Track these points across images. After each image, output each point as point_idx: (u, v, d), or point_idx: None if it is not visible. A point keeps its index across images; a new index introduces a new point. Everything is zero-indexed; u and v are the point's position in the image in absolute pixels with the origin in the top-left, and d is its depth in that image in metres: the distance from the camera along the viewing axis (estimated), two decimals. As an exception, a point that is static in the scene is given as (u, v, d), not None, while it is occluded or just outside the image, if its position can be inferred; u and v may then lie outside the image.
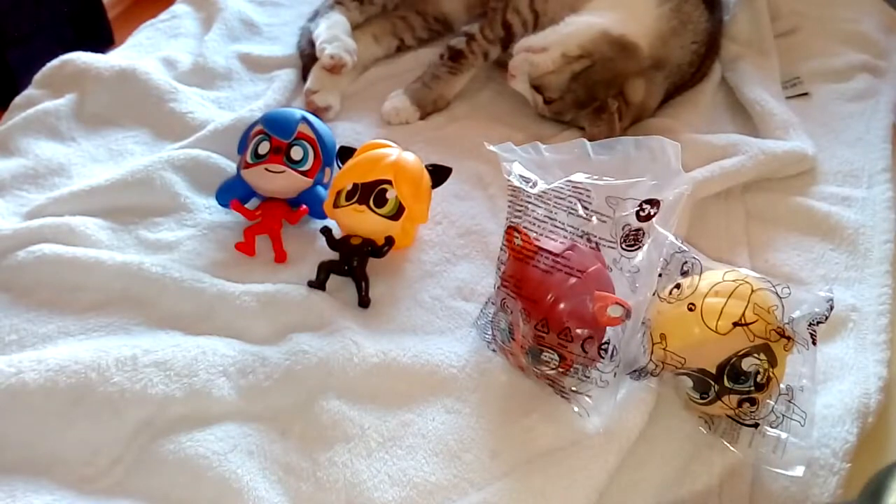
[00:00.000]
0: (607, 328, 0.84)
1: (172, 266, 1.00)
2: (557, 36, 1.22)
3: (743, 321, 0.78)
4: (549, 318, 0.83)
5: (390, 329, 0.97)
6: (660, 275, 0.84)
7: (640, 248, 0.84)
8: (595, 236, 0.86)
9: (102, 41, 2.23)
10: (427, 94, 1.31)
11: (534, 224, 0.88)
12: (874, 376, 0.90)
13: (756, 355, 0.78)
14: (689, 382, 0.81)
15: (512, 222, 0.89)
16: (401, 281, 1.03)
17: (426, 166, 1.05)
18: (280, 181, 1.07)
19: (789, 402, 0.81)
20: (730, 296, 0.79)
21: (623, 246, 0.85)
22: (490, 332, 0.93)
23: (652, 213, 0.84)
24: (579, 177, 0.87)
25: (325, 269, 1.00)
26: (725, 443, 0.82)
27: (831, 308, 0.80)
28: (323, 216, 1.06)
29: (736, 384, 0.79)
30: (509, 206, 0.90)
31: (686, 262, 0.85)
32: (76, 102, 1.29)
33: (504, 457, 0.84)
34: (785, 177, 1.18)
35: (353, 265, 1.00)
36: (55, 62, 1.34)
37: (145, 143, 1.24)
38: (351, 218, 1.01)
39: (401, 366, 0.91)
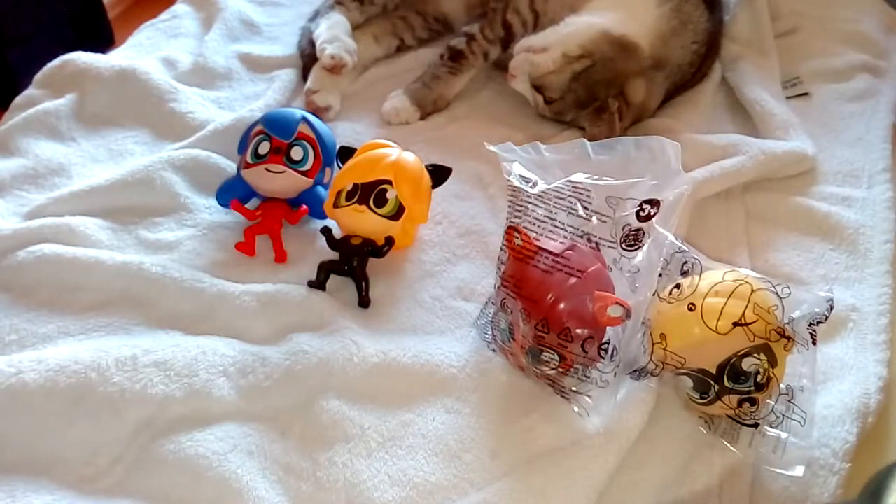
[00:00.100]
0: (607, 328, 0.84)
1: (172, 266, 1.00)
2: (558, 36, 1.22)
3: (743, 321, 0.78)
4: (549, 318, 0.83)
5: (390, 329, 0.97)
6: (660, 275, 0.84)
7: (640, 248, 0.84)
8: (595, 236, 0.86)
9: (103, 41, 2.23)
10: (427, 94, 1.31)
11: (534, 224, 0.88)
12: (874, 376, 0.90)
13: (756, 355, 0.78)
14: (689, 382, 0.81)
15: (512, 222, 0.89)
16: (401, 281, 1.03)
17: (426, 166, 1.05)
18: (280, 181, 1.07)
19: (789, 402, 0.81)
20: (730, 296, 0.79)
21: (623, 246, 0.85)
22: (490, 332, 0.93)
23: (652, 213, 0.84)
24: (579, 177, 0.87)
25: (326, 269, 1.00)
26: (725, 443, 0.82)
27: (831, 308, 0.80)
28: (323, 216, 1.06)
29: (736, 384, 0.79)
30: (509, 206, 0.90)
31: (686, 262, 0.85)
32: (76, 102, 1.29)
33: (504, 457, 0.84)
34: (785, 177, 1.18)
35: (354, 265, 1.00)
36: (55, 62, 1.34)
37: (145, 143, 1.24)
38: (351, 218, 1.01)
39: (401, 366, 0.91)
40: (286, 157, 1.07)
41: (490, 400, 0.89)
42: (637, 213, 0.84)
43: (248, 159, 1.08)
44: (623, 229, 0.85)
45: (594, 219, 0.86)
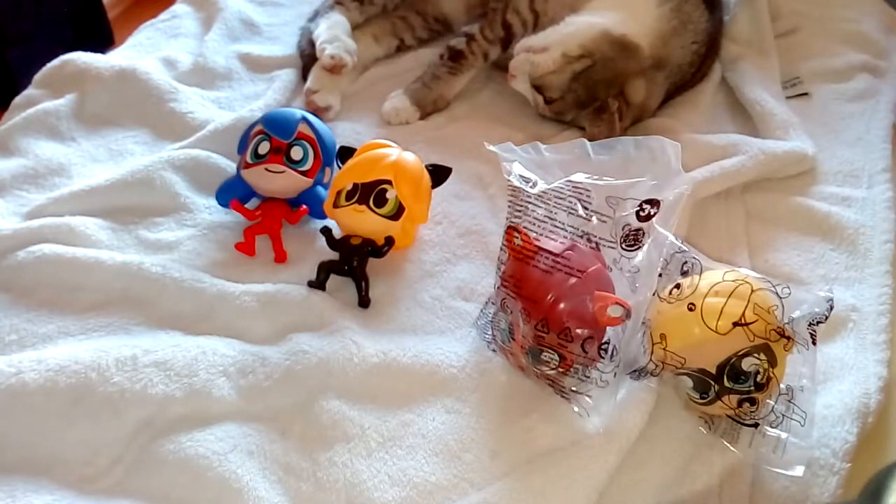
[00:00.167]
0: (607, 328, 0.84)
1: (172, 266, 1.00)
2: (558, 36, 1.22)
3: (743, 321, 0.78)
4: (549, 318, 0.83)
5: (390, 329, 0.97)
6: (660, 275, 0.84)
7: (640, 248, 0.84)
8: (595, 236, 0.86)
9: (102, 41, 2.23)
10: (427, 94, 1.31)
11: (534, 224, 0.88)
12: (874, 376, 0.90)
13: (756, 355, 0.78)
14: (689, 382, 0.81)
15: (512, 222, 0.89)
16: (401, 281, 1.03)
17: (426, 166, 1.05)
18: (280, 181, 1.07)
19: (789, 401, 0.81)
20: (730, 296, 0.79)
21: (623, 246, 0.85)
22: (490, 332, 0.93)
23: (652, 213, 0.84)
24: (579, 177, 0.87)
25: (325, 269, 1.00)
26: (725, 443, 0.82)
27: (831, 308, 0.80)
28: (323, 216, 1.06)
29: (736, 384, 0.79)
30: (509, 206, 0.90)
31: (686, 262, 0.85)
32: (76, 102, 1.29)
33: (504, 457, 0.84)
34: (785, 177, 1.18)
35: (353, 265, 1.00)
36: (55, 62, 1.34)
37: (145, 143, 1.24)
38: (351, 218, 1.01)
39: (401, 366, 0.91)
40: (286, 157, 1.07)
41: (490, 400, 0.89)
42: (637, 213, 0.84)
43: (248, 159, 1.08)
44: (623, 229, 0.85)
45: (594, 219, 0.86)
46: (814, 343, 0.80)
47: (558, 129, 1.27)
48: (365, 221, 1.00)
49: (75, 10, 2.20)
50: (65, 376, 0.85)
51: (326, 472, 0.82)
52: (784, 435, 0.80)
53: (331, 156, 1.10)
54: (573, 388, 0.85)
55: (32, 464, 0.82)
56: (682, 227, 1.02)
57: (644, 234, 0.84)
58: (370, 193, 1.00)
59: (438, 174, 1.07)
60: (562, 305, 0.83)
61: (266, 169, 1.06)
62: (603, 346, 0.84)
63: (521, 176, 0.90)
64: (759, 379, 0.78)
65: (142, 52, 1.43)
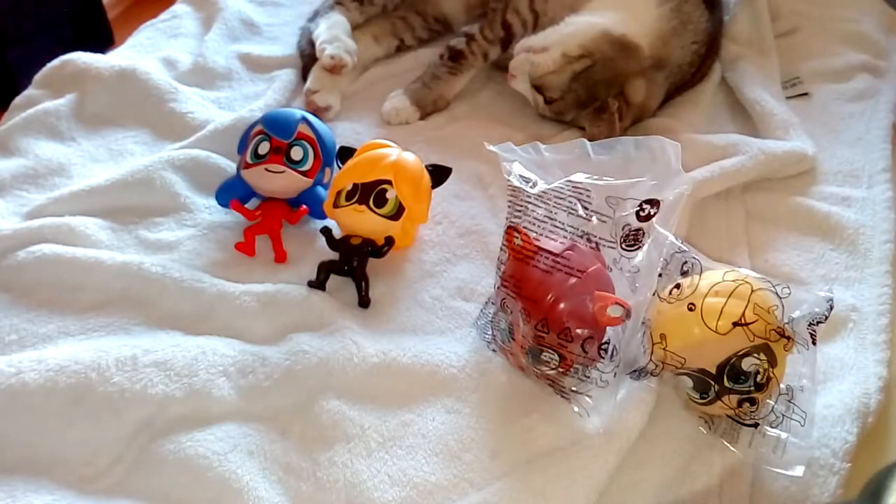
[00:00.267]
0: (607, 328, 0.84)
1: (172, 266, 1.00)
2: (558, 36, 1.22)
3: (743, 321, 0.78)
4: (549, 318, 0.83)
5: (390, 329, 0.97)
6: (660, 275, 0.84)
7: (640, 248, 0.84)
8: (595, 236, 0.86)
9: (102, 41, 2.23)
10: (427, 94, 1.31)
11: (534, 224, 0.88)
12: (874, 376, 0.90)
13: (756, 355, 0.78)
14: (689, 382, 0.81)
15: (512, 222, 0.89)
16: (401, 281, 1.03)
17: (426, 166, 1.05)
18: (280, 181, 1.07)
19: (789, 402, 0.81)
20: (730, 296, 0.79)
21: (623, 246, 0.85)
22: (490, 332, 0.93)
23: (652, 213, 0.84)
24: (579, 177, 0.87)
25: (325, 269, 1.00)
26: (725, 443, 0.82)
27: (831, 308, 0.80)
28: (323, 216, 1.06)
29: (736, 384, 0.79)
30: (509, 206, 0.90)
31: (686, 262, 0.85)
32: (76, 102, 1.29)
33: (504, 457, 0.84)
34: (785, 177, 1.18)
35: (353, 265, 1.00)
36: (55, 62, 1.34)
37: (145, 143, 1.24)
38: (351, 218, 1.01)
39: (401, 366, 0.91)
40: (286, 157, 1.07)
41: (490, 400, 0.89)
42: (637, 213, 0.84)
43: (248, 159, 1.08)
44: (623, 229, 0.85)
45: (594, 219, 0.86)
46: (814, 343, 0.80)
47: (558, 129, 1.27)
48: (365, 221, 1.00)
49: (75, 10, 2.20)
50: (65, 376, 0.85)
51: (326, 472, 0.82)
52: (784, 435, 0.80)
53: (331, 156, 1.10)
54: (573, 388, 0.85)
55: (32, 464, 0.82)
56: (682, 227, 1.02)
57: (644, 234, 0.84)
58: (370, 193, 1.00)
59: (438, 174, 1.07)
60: (562, 305, 0.83)
61: (266, 169, 1.06)
62: (603, 346, 0.84)
63: (521, 176, 0.90)
64: (759, 379, 0.78)
65: (142, 52, 1.43)
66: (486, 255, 1.06)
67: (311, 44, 1.34)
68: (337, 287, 1.00)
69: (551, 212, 0.87)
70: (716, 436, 0.83)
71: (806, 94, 1.35)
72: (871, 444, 0.86)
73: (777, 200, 1.15)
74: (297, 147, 1.08)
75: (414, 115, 1.30)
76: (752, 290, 0.79)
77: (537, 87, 1.24)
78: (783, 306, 0.80)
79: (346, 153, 1.08)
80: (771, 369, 0.78)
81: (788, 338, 0.79)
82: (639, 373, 0.84)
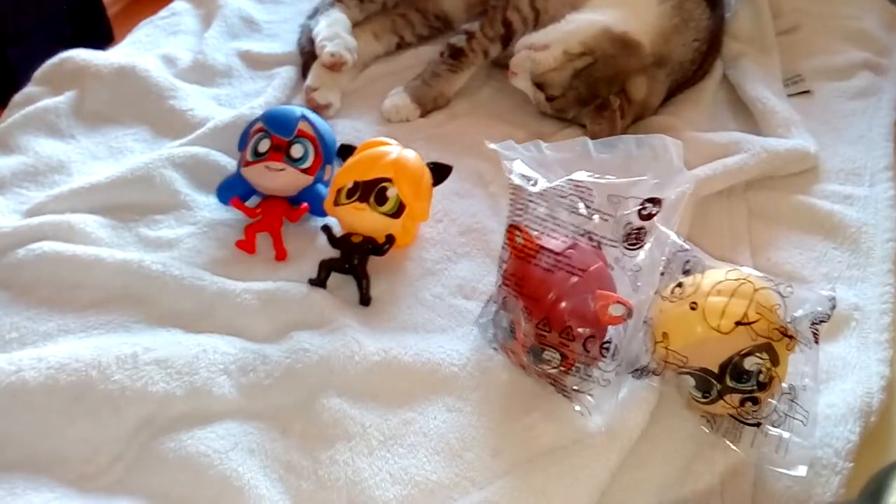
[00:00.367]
0: (609, 327, 0.84)
1: (173, 264, 1.00)
2: (559, 33, 1.22)
3: (745, 320, 0.78)
4: (550, 316, 0.83)
5: (391, 327, 0.96)
6: (662, 273, 0.84)
7: (641, 246, 0.84)
8: (597, 235, 0.85)
9: (102, 38, 2.23)
10: (427, 91, 1.30)
11: (535, 222, 0.87)
12: (877, 375, 0.90)
13: (758, 354, 0.78)
14: (692, 381, 0.81)
15: (513, 220, 0.89)
16: (402, 279, 1.03)
17: (427, 164, 1.05)
18: (280, 179, 1.06)
19: (792, 401, 0.81)
20: (732, 295, 0.79)
21: (625, 244, 0.84)
22: (491, 331, 0.93)
23: (654, 212, 0.83)
24: (581, 175, 0.86)
25: (326, 267, 1.00)
26: (727, 442, 0.82)
27: (834, 307, 0.80)
28: (323, 214, 1.06)
29: (738, 383, 0.79)
30: (510, 205, 0.90)
31: (688, 261, 0.85)
32: (76, 100, 1.28)
33: (505, 455, 0.84)
34: (787, 175, 1.18)
35: (354, 263, 0.99)
36: (55, 59, 1.34)
37: (145, 141, 1.24)
38: (351, 216, 1.01)
39: (402, 364, 0.91)
40: (286, 154, 1.07)
41: (491, 398, 0.89)
42: (639, 211, 0.84)
43: (249, 157, 1.08)
44: (625, 228, 0.84)
45: (596, 217, 0.85)
46: (816, 342, 0.80)
47: (559, 127, 1.27)
48: (365, 219, 1.00)
49: (75, 7, 2.20)
50: (65, 374, 0.85)
51: (327, 471, 0.82)
52: (786, 434, 0.80)
53: (331, 153, 1.10)
54: (575, 387, 0.85)
55: (33, 462, 0.82)
56: (685, 226, 1.02)
57: (646, 232, 0.84)
58: (371, 191, 1.00)
59: (439, 172, 1.06)
60: (563, 304, 0.83)
61: (266, 166, 1.06)
62: (605, 345, 0.83)
63: (522, 174, 0.89)
64: (761, 378, 0.78)
65: (141, 49, 1.43)
66: (486, 254, 1.06)
67: (311, 41, 1.34)
68: (338, 285, 1.00)
69: (553, 210, 0.87)
70: (718, 435, 0.83)
71: (808, 91, 1.35)
72: (874, 444, 0.86)
73: (779, 199, 1.14)
74: (297, 144, 1.07)
75: (414, 112, 1.29)
76: (755, 289, 0.79)
77: (538, 85, 1.23)
78: (785, 305, 0.79)
79: (346, 151, 1.07)
80: (773, 368, 0.78)
81: (791, 337, 0.78)
82: (641, 372, 0.84)
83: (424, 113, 1.30)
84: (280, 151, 1.06)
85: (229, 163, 1.16)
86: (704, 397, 0.81)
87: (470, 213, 1.12)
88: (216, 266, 1.02)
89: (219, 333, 0.94)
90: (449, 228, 1.10)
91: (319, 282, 0.99)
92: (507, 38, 1.31)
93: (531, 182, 0.88)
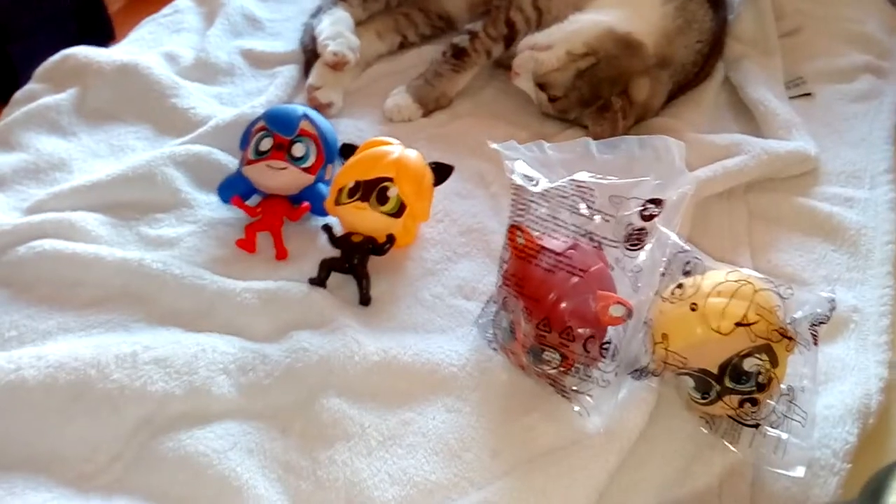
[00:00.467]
0: (609, 328, 0.84)
1: (173, 262, 1.00)
2: (562, 33, 1.22)
3: (745, 321, 0.78)
4: (550, 317, 0.83)
5: (391, 327, 0.96)
6: (662, 274, 0.84)
7: (642, 247, 0.84)
8: (598, 235, 0.85)
9: (104, 36, 2.23)
10: (429, 91, 1.30)
11: (536, 223, 0.87)
12: (875, 377, 0.90)
13: (758, 355, 0.78)
14: (691, 382, 0.81)
15: (514, 221, 0.89)
16: (402, 279, 1.03)
17: (428, 164, 1.05)
18: (282, 178, 1.06)
19: (790, 402, 0.81)
20: (732, 296, 0.79)
21: (626, 245, 0.85)
22: (491, 331, 0.93)
23: (655, 213, 0.84)
24: (583, 176, 0.87)
25: (327, 267, 1.00)
26: (726, 443, 0.82)
27: (833, 309, 0.80)
28: (324, 213, 1.06)
29: (737, 384, 0.79)
30: (512, 205, 0.90)
31: (689, 262, 0.85)
32: (77, 97, 1.28)
33: (504, 456, 0.84)
34: (788, 177, 1.18)
35: (355, 263, 0.99)
36: (56, 57, 1.34)
37: (146, 139, 1.24)
38: (352, 215, 1.01)
39: (401, 364, 0.91)
40: (288, 153, 1.07)
41: (491, 399, 0.89)
42: (640, 212, 0.84)
43: (250, 156, 1.08)
44: (626, 228, 0.85)
45: (597, 218, 0.85)
46: (815, 344, 0.80)
47: (562, 128, 1.27)
48: (366, 219, 1.00)
49: (77, 4, 2.20)
50: (64, 373, 0.85)
51: (326, 471, 0.82)
52: (785, 435, 0.80)
53: (333, 153, 1.10)
54: (574, 388, 0.85)
55: (32, 461, 0.82)
56: (685, 227, 1.01)
57: (647, 233, 0.84)
58: (372, 191, 1.00)
59: (440, 172, 1.06)
60: (564, 304, 0.83)
61: (268, 165, 1.06)
62: (604, 346, 0.83)
63: (523, 174, 0.89)
64: (760, 379, 0.78)
65: (143, 47, 1.43)
66: (487, 254, 1.06)
67: (314, 40, 1.34)
68: (338, 284, 1.00)
69: (554, 210, 0.87)
70: (717, 436, 0.83)
71: (809, 94, 1.35)
72: (872, 445, 0.86)
73: (780, 200, 1.14)
74: (299, 144, 1.07)
75: (416, 112, 1.29)
76: (755, 291, 0.79)
77: (541, 85, 1.23)
78: (785, 307, 0.80)
79: (348, 150, 1.07)
80: (772, 370, 0.78)
81: (790, 338, 0.79)
82: (640, 372, 0.84)
83: (426, 113, 1.30)
84: (282, 150, 1.06)
85: (231, 161, 1.16)
86: (703, 398, 0.81)
87: (471, 213, 1.12)
88: (216, 265, 1.02)
89: (218, 333, 0.94)
90: (450, 228, 1.10)
91: (320, 281, 0.99)
92: (510, 39, 1.31)
93: (533, 182, 0.88)
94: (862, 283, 1.03)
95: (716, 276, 0.82)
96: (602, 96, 1.19)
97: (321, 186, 1.08)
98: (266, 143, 1.07)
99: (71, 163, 1.18)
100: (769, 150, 1.17)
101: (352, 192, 1.01)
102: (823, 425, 0.85)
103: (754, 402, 0.80)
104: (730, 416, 0.82)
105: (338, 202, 1.02)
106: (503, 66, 1.32)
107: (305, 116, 1.09)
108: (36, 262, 0.99)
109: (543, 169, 0.90)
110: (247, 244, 1.05)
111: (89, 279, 0.99)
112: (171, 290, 0.98)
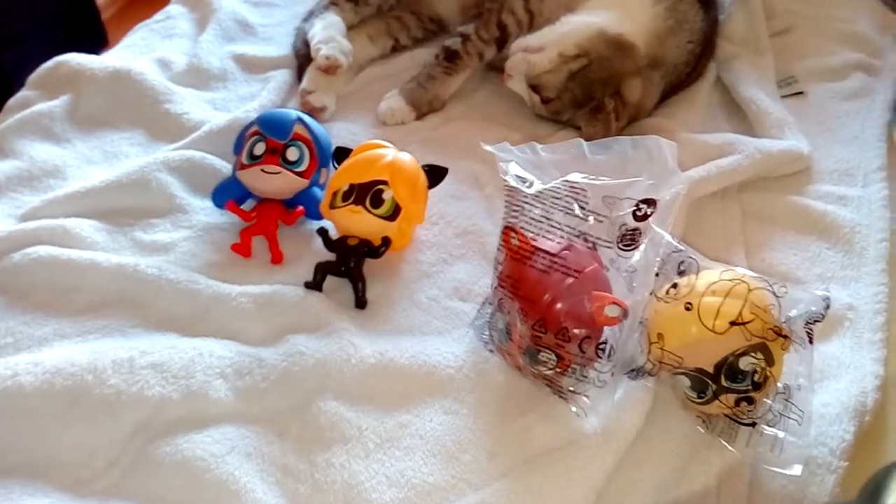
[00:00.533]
0: (604, 328, 0.84)
1: (168, 268, 1.00)
2: (554, 35, 1.22)
3: (740, 320, 0.78)
4: (546, 318, 0.83)
5: (387, 330, 0.96)
6: (657, 274, 0.84)
7: (636, 247, 0.84)
8: (592, 236, 0.86)
9: (96, 42, 2.22)
10: (422, 94, 1.31)
11: (530, 224, 0.88)
12: (871, 375, 0.90)
13: (753, 354, 0.78)
14: (687, 382, 0.81)
15: (509, 222, 0.89)
16: (398, 282, 1.03)
17: (422, 167, 1.05)
18: (276, 182, 1.06)
19: (786, 400, 0.81)
20: (727, 295, 0.79)
21: (620, 246, 0.85)
22: (487, 333, 0.93)
23: (649, 213, 0.84)
24: (576, 177, 0.87)
25: (322, 270, 1.00)
26: (723, 442, 0.82)
27: (828, 307, 0.80)
28: (319, 217, 1.06)
29: (733, 383, 0.79)
30: (506, 207, 0.90)
31: (683, 262, 0.85)
32: (70, 104, 1.28)
33: (502, 457, 0.84)
34: (781, 176, 1.18)
35: (350, 266, 1.00)
36: (49, 63, 1.34)
37: (140, 145, 1.24)
38: (347, 219, 1.01)
39: (398, 367, 0.91)
40: (282, 157, 1.07)
41: (487, 400, 0.89)
42: (634, 212, 0.84)
43: (244, 160, 1.08)
44: (620, 229, 0.85)
45: (591, 219, 0.86)
46: (811, 342, 0.80)
47: (554, 129, 1.27)
48: (361, 222, 1.00)
49: (69, 10, 2.19)
50: (61, 378, 0.85)
51: (324, 474, 0.82)
52: (781, 434, 0.80)
53: (327, 156, 1.10)
54: (571, 388, 0.85)
55: (29, 466, 0.82)
56: (679, 227, 1.02)
57: (641, 233, 0.84)
58: (366, 194, 1.00)
59: (435, 174, 1.06)
60: (559, 305, 0.83)
61: (262, 170, 1.06)
62: (600, 346, 0.83)
63: (517, 176, 0.89)
64: (756, 378, 0.79)
65: (136, 52, 1.43)
66: (482, 256, 1.06)
67: (306, 44, 1.34)
68: (334, 288, 1.00)
69: (548, 212, 0.87)
70: (713, 435, 0.83)
71: (801, 92, 1.36)
72: (869, 443, 0.86)
73: (773, 199, 1.15)
74: (292, 148, 1.07)
75: (410, 115, 1.30)
76: (749, 290, 0.80)
77: (533, 87, 1.24)
78: (780, 305, 0.80)
79: (342, 154, 1.07)
80: (768, 368, 0.79)
81: (786, 337, 0.79)
82: (636, 372, 0.84)
83: (420, 115, 1.31)
84: (275, 155, 1.06)
85: (224, 166, 1.16)
86: (700, 397, 0.81)
87: (466, 215, 1.12)
88: (212, 270, 1.02)
89: (214, 337, 0.93)
90: (445, 231, 1.10)
91: (315, 285, 0.99)
92: (502, 41, 1.31)
93: (526, 184, 0.88)
94: (856, 280, 1.03)
95: (710, 276, 0.82)
96: (595, 97, 1.20)
97: (316, 190, 1.08)
98: (260, 148, 1.07)
99: (65, 169, 1.18)
100: (762, 149, 1.17)
101: (346, 196, 1.01)
102: (820, 423, 0.85)
103: (750, 401, 0.80)
104: (726, 415, 0.82)
105: (332, 206, 1.02)
106: (496, 68, 1.33)
107: (299, 120, 1.09)
108: (31, 269, 0.99)
109: (536, 170, 0.90)
110: (242, 248, 1.05)
111: (85, 285, 0.99)
112: (167, 296, 0.97)
